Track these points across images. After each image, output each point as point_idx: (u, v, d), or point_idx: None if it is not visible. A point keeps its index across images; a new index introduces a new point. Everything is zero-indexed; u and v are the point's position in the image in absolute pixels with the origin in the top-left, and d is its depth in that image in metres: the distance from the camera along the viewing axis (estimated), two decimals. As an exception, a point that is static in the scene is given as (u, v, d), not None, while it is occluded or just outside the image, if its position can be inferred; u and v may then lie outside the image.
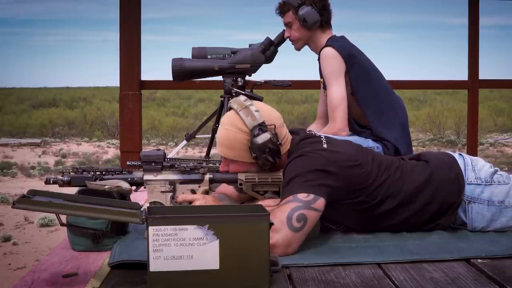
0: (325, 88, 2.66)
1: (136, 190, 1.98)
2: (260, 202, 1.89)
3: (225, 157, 1.92)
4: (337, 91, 2.56)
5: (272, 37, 2.83)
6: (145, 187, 1.97)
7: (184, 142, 3.28)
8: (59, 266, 1.66)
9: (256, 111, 1.85)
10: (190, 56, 2.85)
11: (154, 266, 1.39)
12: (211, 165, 2.00)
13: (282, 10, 2.75)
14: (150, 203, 1.94)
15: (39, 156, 13.18)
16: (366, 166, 1.87)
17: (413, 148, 2.86)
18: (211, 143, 3.08)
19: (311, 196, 1.74)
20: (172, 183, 1.95)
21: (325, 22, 2.69)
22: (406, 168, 1.94)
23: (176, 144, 14.14)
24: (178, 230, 1.40)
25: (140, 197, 2.33)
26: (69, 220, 1.77)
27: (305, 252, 1.72)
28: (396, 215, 1.90)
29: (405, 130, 2.69)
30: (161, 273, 1.39)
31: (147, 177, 1.95)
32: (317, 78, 2.84)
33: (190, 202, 1.89)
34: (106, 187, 1.86)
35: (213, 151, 2.99)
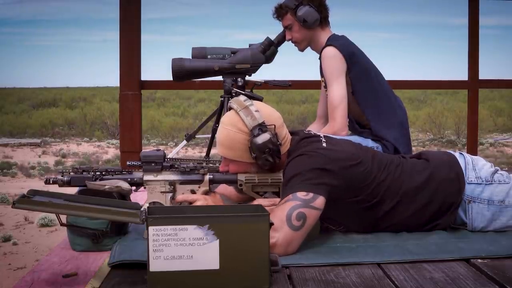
0: (326, 87, 2.65)
1: (136, 190, 1.98)
2: (254, 202, 1.89)
3: (225, 157, 1.92)
4: (338, 91, 2.57)
5: (272, 37, 2.83)
6: (145, 188, 1.97)
7: (184, 142, 3.28)
8: (59, 266, 1.66)
9: (256, 111, 1.85)
10: (190, 56, 2.85)
11: (154, 266, 1.39)
12: (211, 165, 2.00)
13: (279, 14, 2.73)
14: (150, 203, 1.94)
15: (39, 156, 13.18)
16: (366, 165, 1.87)
17: (413, 148, 2.87)
18: (211, 143, 3.07)
19: (311, 194, 1.74)
20: (172, 183, 1.95)
21: (324, 19, 2.69)
22: (406, 167, 1.94)
23: (176, 144, 14.14)
24: (178, 230, 1.40)
25: (140, 197, 2.33)
26: (69, 220, 1.77)
27: (305, 252, 1.72)
28: (396, 215, 1.90)
29: (405, 130, 2.69)
30: (161, 273, 1.39)
31: (147, 177, 1.95)
32: (317, 78, 2.84)
33: (191, 203, 1.89)
34: (106, 187, 1.86)
35: (213, 151, 2.99)
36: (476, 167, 1.96)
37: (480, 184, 1.92)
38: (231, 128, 1.87)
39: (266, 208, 1.57)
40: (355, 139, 2.55)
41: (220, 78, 2.89)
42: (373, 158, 1.91)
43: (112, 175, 1.95)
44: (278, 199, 1.85)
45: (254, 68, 2.85)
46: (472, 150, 4.00)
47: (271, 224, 1.47)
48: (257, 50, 2.82)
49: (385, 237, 1.89)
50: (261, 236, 1.43)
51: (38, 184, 8.86)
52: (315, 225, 1.79)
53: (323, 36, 2.70)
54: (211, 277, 1.41)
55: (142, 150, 2.25)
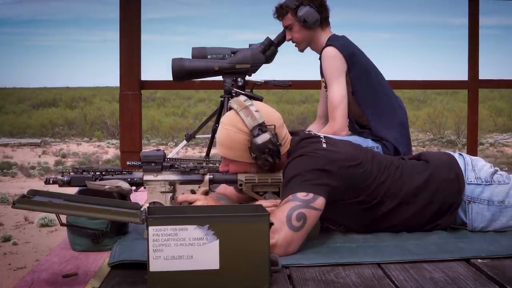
0: (326, 87, 2.65)
1: (136, 190, 1.98)
2: (256, 203, 1.89)
3: (225, 157, 1.93)
4: (338, 91, 2.57)
5: (272, 37, 2.83)
6: (145, 188, 1.97)
7: (184, 142, 3.28)
8: (59, 266, 1.66)
9: (256, 111, 1.85)
10: (190, 56, 2.85)
11: (154, 266, 1.39)
12: (211, 165, 2.00)
13: (280, 14, 2.73)
14: (150, 203, 1.94)
15: (39, 156, 13.17)
16: (366, 166, 1.87)
17: (413, 148, 2.86)
18: (211, 143, 3.08)
19: (311, 195, 1.74)
20: (172, 183, 1.95)
21: (324, 19, 2.69)
22: (406, 168, 1.94)
23: (176, 144, 14.14)
24: (178, 230, 1.40)
25: (140, 197, 2.33)
26: (69, 220, 1.77)
27: (305, 252, 1.72)
28: (396, 215, 1.90)
29: (405, 130, 2.69)
30: (161, 273, 1.39)
31: (147, 177, 1.95)
32: (317, 78, 2.84)
33: (191, 203, 1.89)
34: (106, 187, 1.86)
35: (213, 151, 2.99)
36: (475, 167, 1.96)
37: (480, 184, 1.92)
38: (231, 128, 1.87)
39: (266, 209, 1.57)
40: (355, 139, 2.56)
41: (220, 78, 2.89)
42: (373, 159, 1.91)
43: (112, 175, 1.95)
44: (279, 200, 1.85)
45: (254, 68, 2.85)
46: (472, 150, 4.00)
47: (271, 224, 1.47)
48: (257, 50, 2.82)
49: (385, 237, 1.89)
50: (261, 236, 1.43)
51: (38, 184, 8.86)
52: (315, 225, 1.79)
53: (323, 37, 2.70)
54: (211, 277, 1.41)
55: (142, 150, 2.25)
